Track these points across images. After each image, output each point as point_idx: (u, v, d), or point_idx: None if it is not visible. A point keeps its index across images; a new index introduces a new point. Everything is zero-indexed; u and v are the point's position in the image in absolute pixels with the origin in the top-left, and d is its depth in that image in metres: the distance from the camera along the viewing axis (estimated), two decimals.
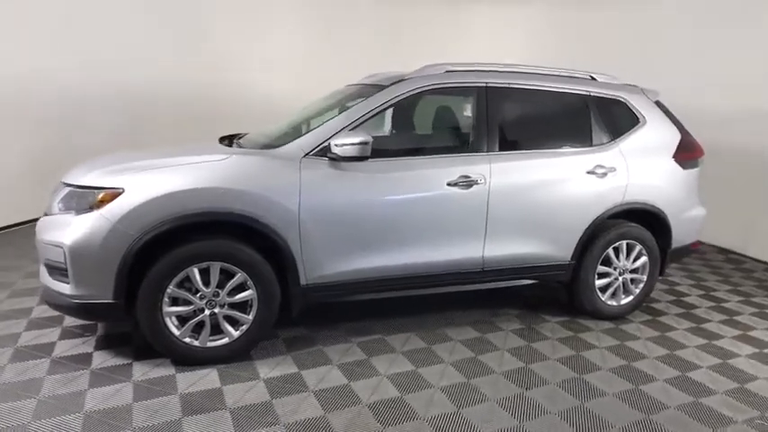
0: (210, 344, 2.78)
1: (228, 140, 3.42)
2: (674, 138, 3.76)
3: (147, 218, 2.55)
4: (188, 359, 2.77)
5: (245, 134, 3.57)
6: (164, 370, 2.73)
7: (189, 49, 6.39)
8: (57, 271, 2.63)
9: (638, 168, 3.57)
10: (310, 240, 2.84)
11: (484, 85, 3.29)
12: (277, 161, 2.83)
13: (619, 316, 3.74)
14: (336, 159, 2.85)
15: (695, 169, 3.85)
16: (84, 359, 2.81)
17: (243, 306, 2.82)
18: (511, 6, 7.37)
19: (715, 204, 4.13)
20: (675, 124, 3.82)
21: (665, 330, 3.61)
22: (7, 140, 5.10)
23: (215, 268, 2.70)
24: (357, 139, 2.78)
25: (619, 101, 3.65)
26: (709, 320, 3.84)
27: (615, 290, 3.68)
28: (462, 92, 3.38)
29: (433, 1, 7.45)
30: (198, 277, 2.69)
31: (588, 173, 3.42)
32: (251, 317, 2.82)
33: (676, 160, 3.71)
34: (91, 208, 2.57)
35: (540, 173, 3.33)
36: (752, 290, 4.54)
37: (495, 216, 3.21)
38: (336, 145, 2.80)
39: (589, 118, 3.55)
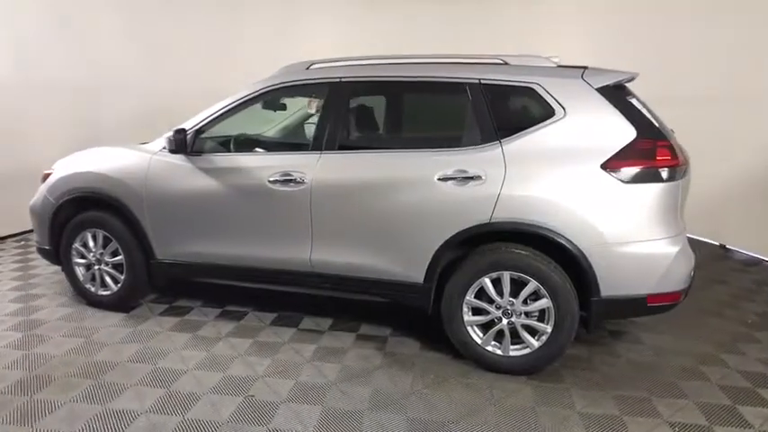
0: (100, 292, 3.64)
1: None
2: (620, 138, 2.61)
3: (59, 191, 3.57)
4: (90, 301, 3.71)
5: None
6: (72, 308, 3.72)
7: None
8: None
9: (526, 176, 2.66)
10: (156, 221, 3.35)
11: (337, 80, 3.08)
12: (137, 153, 3.43)
13: (512, 371, 2.85)
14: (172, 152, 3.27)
15: (656, 185, 2.57)
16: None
17: (122, 268, 3.57)
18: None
19: None
20: (631, 118, 2.63)
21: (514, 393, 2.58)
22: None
23: (99, 234, 3.53)
24: (169, 136, 3.16)
25: (528, 89, 2.77)
26: (649, 399, 2.50)
27: (502, 336, 2.83)
28: (317, 89, 3.21)
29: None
30: (90, 240, 3.57)
31: (441, 179, 2.77)
32: (123, 277, 3.54)
33: (609, 169, 2.58)
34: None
35: (370, 175, 2.89)
36: None
37: (319, 217, 2.99)
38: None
39: (465, 111, 2.83)
